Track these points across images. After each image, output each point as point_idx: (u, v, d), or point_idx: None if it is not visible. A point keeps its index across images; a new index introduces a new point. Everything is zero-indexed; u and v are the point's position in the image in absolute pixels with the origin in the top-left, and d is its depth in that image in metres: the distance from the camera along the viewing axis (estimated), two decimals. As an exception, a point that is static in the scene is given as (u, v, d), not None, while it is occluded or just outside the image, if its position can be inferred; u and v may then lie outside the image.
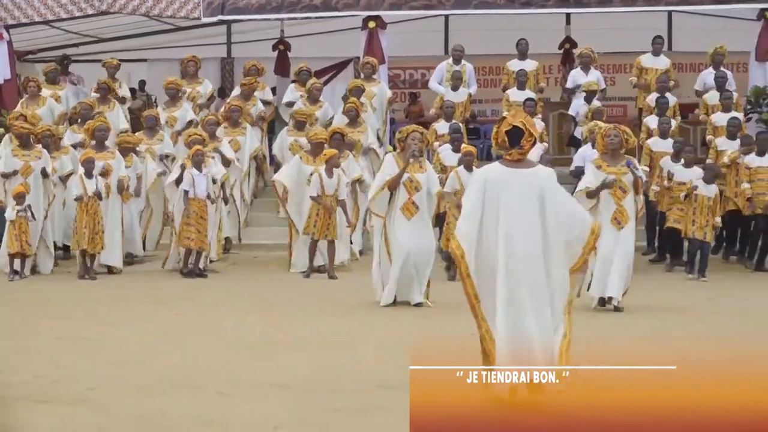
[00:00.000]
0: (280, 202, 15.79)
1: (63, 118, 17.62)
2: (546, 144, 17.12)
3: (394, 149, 12.67)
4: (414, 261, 12.31)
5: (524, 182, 7.61)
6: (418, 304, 12.36)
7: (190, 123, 17.51)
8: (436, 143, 16.42)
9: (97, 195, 14.72)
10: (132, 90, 21.12)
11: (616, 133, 12.18)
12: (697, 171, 14.92)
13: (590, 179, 12.20)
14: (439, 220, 14.28)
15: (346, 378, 8.77)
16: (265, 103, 18.48)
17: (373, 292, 12.58)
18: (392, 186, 12.36)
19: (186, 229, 14.71)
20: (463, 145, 15.09)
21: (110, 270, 15.23)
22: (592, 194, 12.08)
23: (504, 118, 7.80)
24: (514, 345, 7.50)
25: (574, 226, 7.65)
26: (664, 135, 16.03)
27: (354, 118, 16.84)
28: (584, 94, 17.54)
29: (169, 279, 14.78)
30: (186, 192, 14.71)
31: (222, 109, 17.81)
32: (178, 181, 14.84)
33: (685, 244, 15.03)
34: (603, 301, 12.23)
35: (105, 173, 14.99)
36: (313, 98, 17.82)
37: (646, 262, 15.69)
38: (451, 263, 13.83)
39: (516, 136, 7.63)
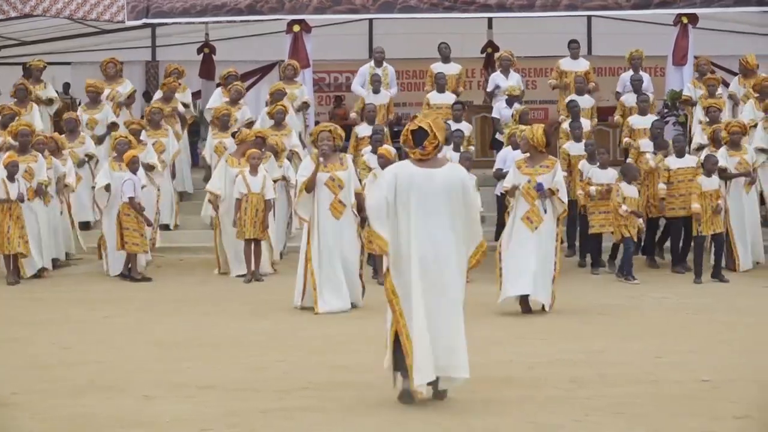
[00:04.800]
0: (213, 208, 15.85)
1: None
2: (473, 147, 17.20)
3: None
4: (343, 263, 12.30)
5: (435, 182, 7.81)
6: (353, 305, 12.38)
7: (112, 125, 17.48)
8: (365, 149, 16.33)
9: (19, 198, 14.66)
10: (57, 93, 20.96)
11: (523, 135, 12.42)
12: (611, 172, 15.10)
13: (510, 179, 12.45)
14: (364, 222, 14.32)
15: (271, 379, 8.87)
16: (184, 105, 18.49)
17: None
18: (308, 187, 12.30)
19: (129, 234, 14.72)
20: (382, 147, 15.09)
21: (39, 274, 15.13)
22: (509, 193, 12.35)
23: (415, 117, 8.01)
24: (430, 347, 7.67)
25: (468, 236, 7.90)
26: (577, 139, 15.96)
27: (280, 120, 16.91)
28: (506, 97, 17.67)
29: (94, 282, 14.72)
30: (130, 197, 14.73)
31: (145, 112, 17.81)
32: (108, 186, 14.92)
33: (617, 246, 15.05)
34: (527, 302, 12.14)
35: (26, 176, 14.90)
36: (233, 99, 17.87)
37: (568, 263, 15.71)
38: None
39: (420, 136, 7.85)
